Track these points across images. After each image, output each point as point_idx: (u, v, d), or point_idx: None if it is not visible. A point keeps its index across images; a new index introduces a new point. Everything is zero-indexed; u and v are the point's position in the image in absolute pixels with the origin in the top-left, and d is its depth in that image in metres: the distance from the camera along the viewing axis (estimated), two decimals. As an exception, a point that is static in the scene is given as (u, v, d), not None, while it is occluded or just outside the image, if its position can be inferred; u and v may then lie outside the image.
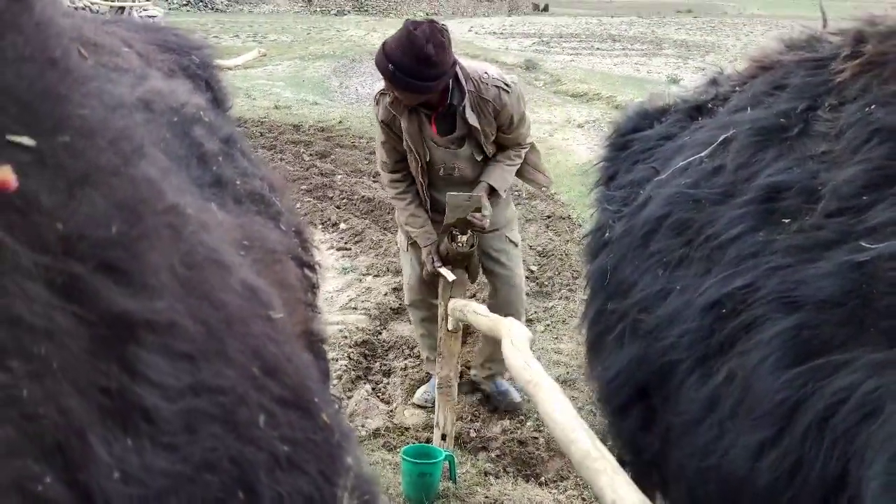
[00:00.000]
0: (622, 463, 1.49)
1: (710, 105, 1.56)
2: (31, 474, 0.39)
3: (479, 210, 3.17)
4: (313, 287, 1.55)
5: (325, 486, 0.64)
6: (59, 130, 0.46)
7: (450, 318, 3.29)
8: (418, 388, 3.84)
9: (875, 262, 0.91)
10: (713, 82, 1.68)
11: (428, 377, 3.78)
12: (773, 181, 1.14)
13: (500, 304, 3.52)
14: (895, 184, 0.96)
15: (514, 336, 1.89)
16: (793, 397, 0.94)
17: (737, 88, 1.49)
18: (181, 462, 0.50)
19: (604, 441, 1.60)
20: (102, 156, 0.50)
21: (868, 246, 0.92)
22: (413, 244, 3.47)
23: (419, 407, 3.71)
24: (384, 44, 2.95)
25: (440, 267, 3.27)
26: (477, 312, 2.78)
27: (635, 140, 1.69)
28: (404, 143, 3.17)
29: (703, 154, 1.32)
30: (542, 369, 1.62)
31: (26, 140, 0.45)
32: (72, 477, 0.42)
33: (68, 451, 0.42)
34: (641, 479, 1.44)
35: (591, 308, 1.63)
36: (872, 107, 1.07)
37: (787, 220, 1.09)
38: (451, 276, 3.23)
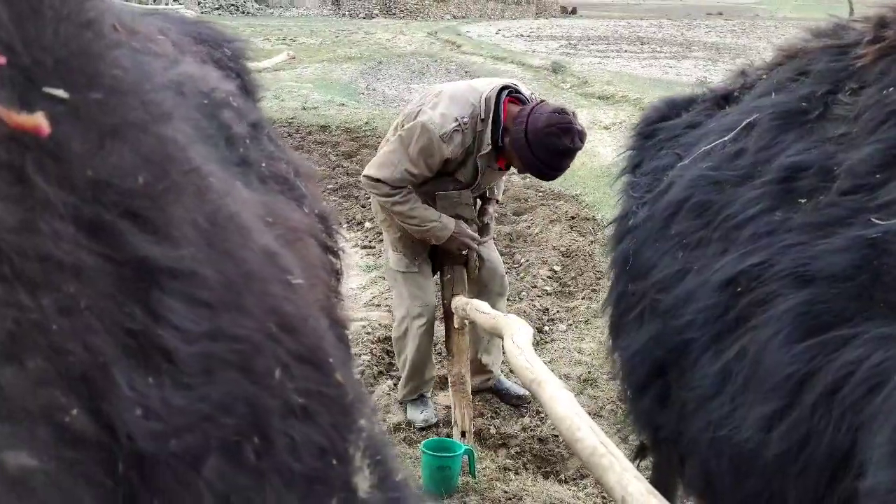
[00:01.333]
0: (642, 448, 1.51)
1: (736, 94, 1.57)
2: (59, 405, 0.42)
3: (468, 204, 3.40)
4: (337, 272, 1.59)
5: (336, 439, 0.67)
6: (93, 86, 0.50)
7: (455, 317, 3.31)
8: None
9: (885, 238, 0.91)
10: (742, 73, 1.69)
11: (421, 398, 3.69)
12: (790, 162, 1.15)
13: (488, 291, 3.58)
14: (909, 162, 0.97)
15: (515, 334, 1.85)
16: (802, 370, 0.95)
17: (763, 76, 1.50)
18: (199, 401, 0.53)
19: (623, 424, 1.61)
20: (132, 113, 0.53)
21: (878, 222, 0.93)
22: (421, 264, 3.46)
23: (409, 402, 3.70)
24: (529, 140, 2.98)
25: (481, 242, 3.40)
26: (479, 310, 2.78)
27: (662, 129, 1.70)
28: (457, 174, 3.25)
29: (726, 138, 1.34)
30: (545, 366, 1.59)
31: (60, 92, 0.49)
32: (97, 409, 0.45)
33: (93, 386, 0.45)
34: (661, 461, 1.45)
35: (613, 291, 1.65)
36: (890, 89, 1.07)
37: (803, 200, 1.10)
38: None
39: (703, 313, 1.17)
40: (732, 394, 1.06)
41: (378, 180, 3.21)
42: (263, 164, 1.21)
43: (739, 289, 1.11)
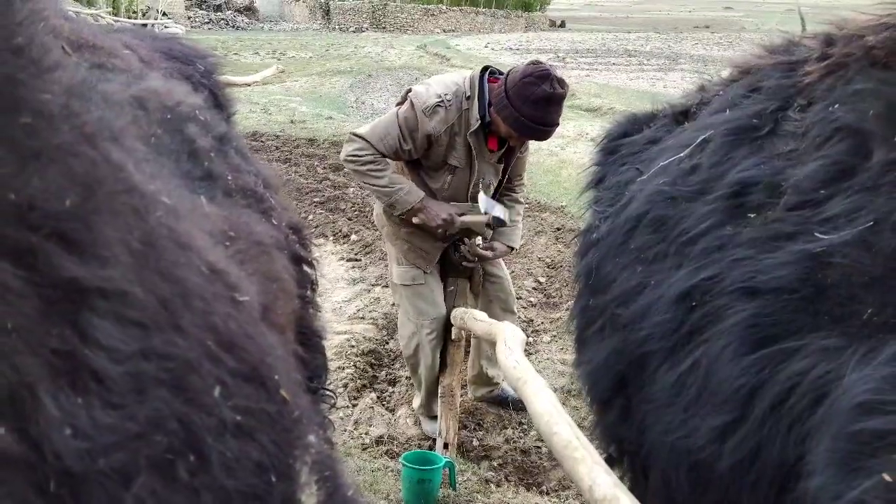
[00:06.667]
0: (610, 460, 1.52)
1: (694, 110, 1.60)
2: None
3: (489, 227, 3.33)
4: (311, 283, 1.58)
5: (277, 455, 0.67)
6: (17, 112, 0.50)
7: (453, 328, 3.33)
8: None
9: (828, 251, 0.94)
10: (701, 88, 1.72)
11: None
12: (741, 178, 1.17)
13: (493, 308, 3.58)
14: (851, 178, 0.99)
15: (507, 338, 1.95)
16: (751, 382, 0.97)
17: (719, 92, 1.53)
18: (129, 420, 0.53)
19: (591, 437, 1.63)
20: (59, 136, 0.53)
21: (822, 236, 0.95)
22: (428, 276, 3.41)
23: (428, 417, 3.71)
24: (508, 95, 2.97)
25: (462, 216, 3.26)
26: (476, 318, 2.85)
27: (624, 144, 1.73)
28: (448, 158, 3.18)
29: (682, 154, 1.36)
30: (531, 367, 1.67)
31: None
32: (23, 429, 0.45)
33: (20, 406, 0.45)
34: (631, 474, 1.47)
35: (577, 305, 1.67)
36: (836, 106, 1.10)
37: (752, 215, 1.13)
38: (482, 218, 3.25)
39: (659, 327, 1.19)
40: (686, 406, 1.08)
41: (364, 139, 3.13)
42: (230, 178, 1.21)
43: (693, 303, 1.13)
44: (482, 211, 3.25)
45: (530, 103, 2.93)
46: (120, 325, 0.55)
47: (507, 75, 3.05)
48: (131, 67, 1.26)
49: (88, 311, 0.53)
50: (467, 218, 3.27)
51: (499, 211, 3.27)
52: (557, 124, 3.10)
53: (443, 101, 3.07)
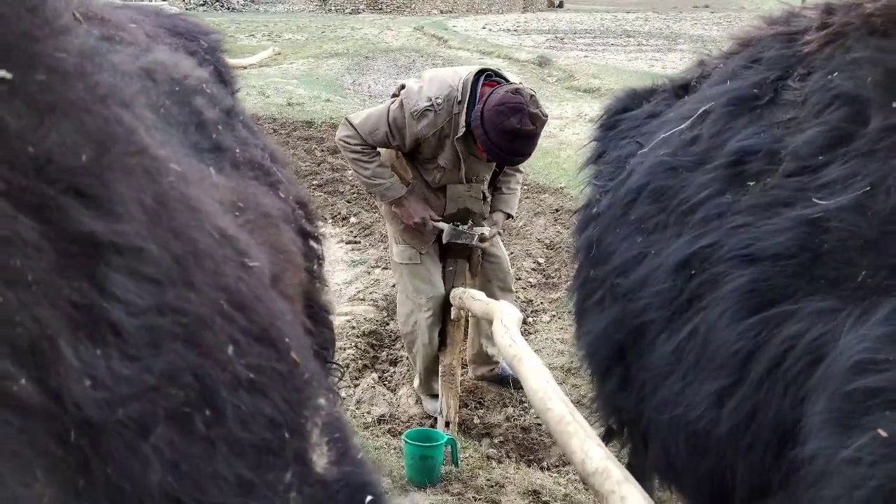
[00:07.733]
0: (609, 432, 1.55)
1: (694, 83, 1.61)
2: (7, 374, 0.43)
3: (476, 198, 3.40)
4: (318, 258, 1.59)
5: (288, 413, 0.69)
6: (33, 67, 0.51)
7: (452, 308, 3.36)
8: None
9: (825, 216, 0.95)
10: (701, 63, 1.72)
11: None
12: (740, 146, 1.18)
13: (491, 287, 3.59)
14: (849, 144, 1.00)
15: (504, 317, 1.96)
16: (748, 346, 0.98)
17: (719, 65, 1.54)
18: (145, 372, 0.54)
19: (590, 409, 1.65)
20: (74, 93, 0.54)
21: (819, 202, 0.97)
22: (425, 256, 3.42)
23: (428, 395, 3.75)
24: (483, 117, 2.94)
25: (437, 221, 3.33)
26: (474, 297, 2.87)
27: (624, 119, 1.74)
28: (438, 158, 3.19)
29: (683, 126, 1.37)
30: (526, 344, 1.67)
31: (3, 73, 0.51)
32: (43, 379, 0.46)
33: (41, 356, 0.46)
34: (631, 444, 1.49)
35: (577, 278, 1.69)
36: (834, 74, 1.11)
37: (751, 183, 1.14)
38: (445, 225, 3.32)
39: (658, 296, 1.20)
40: (684, 373, 1.10)
41: (355, 129, 3.17)
42: (237, 150, 1.22)
43: (692, 271, 1.15)
44: (443, 237, 3.33)
45: (498, 132, 2.91)
46: (135, 280, 0.56)
47: (490, 94, 2.99)
48: (138, 41, 1.27)
49: (105, 266, 0.55)
50: (441, 224, 3.34)
51: (465, 239, 3.34)
52: (527, 155, 3.08)
53: (433, 105, 3.03)
